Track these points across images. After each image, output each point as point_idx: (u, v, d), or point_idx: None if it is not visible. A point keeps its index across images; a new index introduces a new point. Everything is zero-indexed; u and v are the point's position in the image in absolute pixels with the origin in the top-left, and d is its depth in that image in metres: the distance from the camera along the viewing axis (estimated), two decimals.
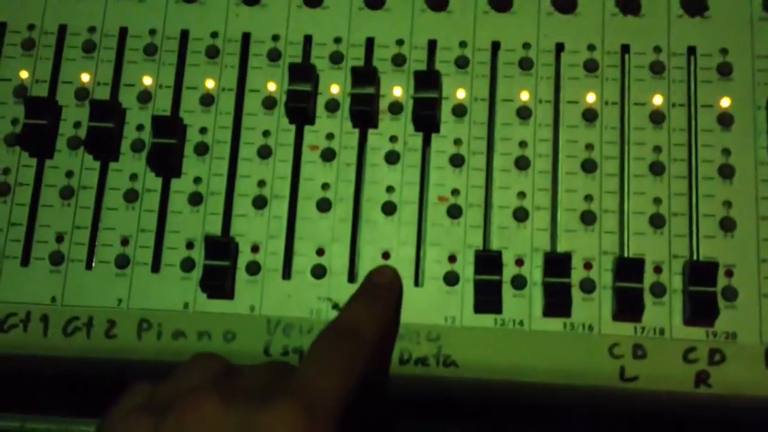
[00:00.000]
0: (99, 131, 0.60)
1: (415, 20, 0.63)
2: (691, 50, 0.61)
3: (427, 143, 0.61)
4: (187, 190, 0.60)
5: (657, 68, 0.60)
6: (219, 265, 0.58)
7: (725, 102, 0.59)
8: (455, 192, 0.59)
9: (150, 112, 0.62)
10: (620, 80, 0.61)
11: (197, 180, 0.61)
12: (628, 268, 0.56)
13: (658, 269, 0.57)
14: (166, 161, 0.60)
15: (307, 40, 0.63)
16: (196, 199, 0.60)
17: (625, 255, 0.58)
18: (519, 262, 0.58)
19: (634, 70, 0.61)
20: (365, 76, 0.60)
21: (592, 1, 0.62)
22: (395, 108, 0.61)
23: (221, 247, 0.58)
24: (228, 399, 0.45)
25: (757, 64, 0.60)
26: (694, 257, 0.57)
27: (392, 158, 0.60)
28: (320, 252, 0.59)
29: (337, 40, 0.62)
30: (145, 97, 0.62)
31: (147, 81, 0.62)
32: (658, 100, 0.60)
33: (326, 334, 0.51)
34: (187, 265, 0.59)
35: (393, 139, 0.61)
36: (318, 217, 0.60)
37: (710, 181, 0.59)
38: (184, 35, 0.63)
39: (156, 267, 0.60)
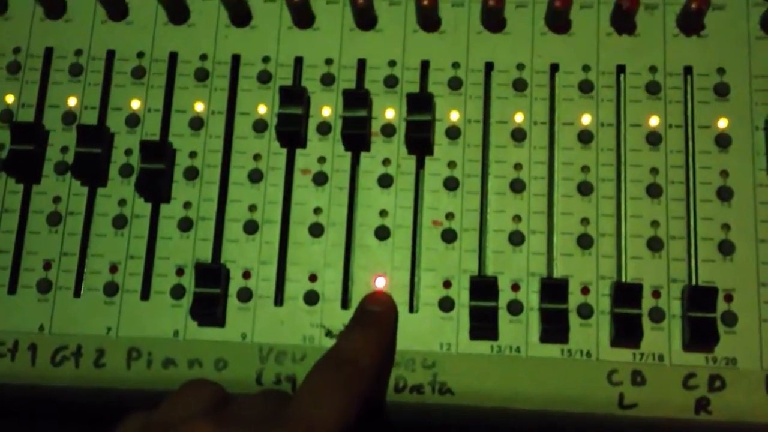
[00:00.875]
0: (86, 157, 0.59)
1: (407, 41, 0.62)
2: (688, 70, 0.60)
3: (420, 166, 0.60)
4: (176, 216, 0.59)
5: (653, 88, 0.60)
6: (209, 293, 0.57)
7: (723, 123, 0.59)
8: (449, 216, 0.59)
9: (138, 136, 0.61)
10: (616, 101, 0.60)
11: (187, 205, 0.60)
12: (625, 294, 0.55)
13: (656, 294, 0.56)
14: (154, 186, 0.59)
15: (298, 61, 0.62)
16: (186, 225, 0.59)
17: (623, 279, 0.57)
18: (515, 287, 0.57)
19: (630, 91, 0.60)
20: (357, 98, 0.59)
21: (586, 20, 0.61)
22: (388, 130, 0.60)
23: (212, 274, 0.57)
24: (224, 429, 0.44)
25: (754, 83, 0.59)
26: (693, 281, 0.57)
27: (385, 182, 0.59)
28: (313, 278, 0.58)
29: (329, 62, 0.61)
30: (133, 121, 0.61)
31: (135, 104, 0.61)
32: (654, 120, 0.59)
33: (323, 362, 0.51)
34: (177, 292, 0.58)
35: (386, 162, 0.60)
36: (310, 242, 0.59)
37: (708, 203, 0.58)
38: (173, 58, 0.62)
39: (145, 294, 0.59)
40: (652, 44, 0.60)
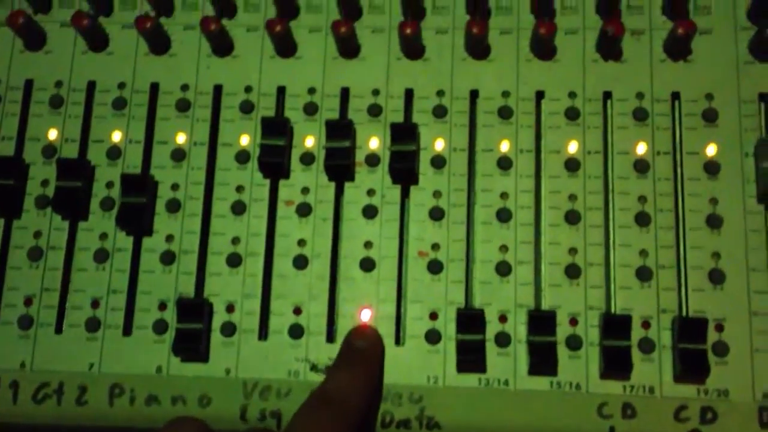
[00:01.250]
0: (67, 191, 0.58)
1: (390, 69, 0.61)
2: (675, 96, 0.59)
3: (405, 196, 0.59)
4: (158, 249, 0.59)
5: (640, 115, 0.59)
6: (192, 328, 0.56)
7: (711, 149, 0.58)
8: (435, 246, 0.58)
9: (120, 168, 0.60)
10: (602, 128, 0.59)
11: (169, 238, 0.59)
12: (614, 326, 0.54)
13: (646, 324, 0.55)
14: (136, 220, 0.58)
15: (281, 91, 0.61)
16: (168, 258, 0.58)
17: (612, 310, 0.56)
18: (503, 319, 0.56)
19: (617, 118, 0.59)
20: (340, 129, 0.58)
21: (571, 47, 0.60)
22: (372, 160, 0.59)
23: (194, 309, 0.56)
24: None
25: (743, 109, 0.58)
26: (683, 311, 0.56)
27: (370, 212, 0.58)
28: (297, 311, 0.57)
29: (311, 91, 0.61)
30: (114, 153, 0.60)
31: (116, 136, 0.61)
32: (642, 148, 0.58)
33: (310, 402, 0.50)
34: (160, 327, 0.57)
35: (370, 192, 0.59)
36: (294, 274, 0.58)
37: (698, 231, 0.57)
38: (154, 88, 0.62)
39: (128, 330, 0.58)
40: (639, 70, 0.60)
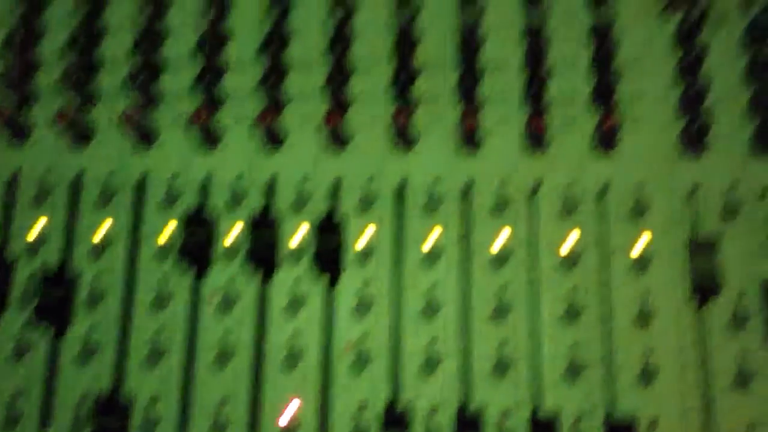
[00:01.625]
0: None
1: (318, 158, 0.60)
2: (605, 187, 0.58)
3: (331, 288, 0.58)
4: (77, 344, 0.57)
5: (569, 206, 0.58)
6: (110, 426, 0.54)
7: (642, 242, 0.56)
8: (361, 339, 0.56)
9: (41, 258, 0.59)
10: (532, 219, 0.58)
11: (88, 332, 0.57)
12: (541, 428, 0.53)
13: (576, 422, 0.54)
14: (53, 315, 0.57)
15: (206, 181, 0.60)
16: (86, 354, 0.57)
17: (542, 406, 0.54)
18: (432, 412, 0.55)
19: (546, 209, 0.58)
20: (263, 224, 0.57)
21: (501, 135, 0.60)
22: (297, 252, 0.58)
23: (112, 406, 0.55)
24: None
25: (675, 201, 0.57)
26: (614, 409, 0.54)
27: (294, 305, 0.57)
28: (220, 407, 0.55)
29: (237, 181, 0.60)
30: (34, 245, 0.59)
31: (37, 228, 0.59)
32: (571, 240, 0.57)
33: None
34: (78, 424, 0.55)
35: (295, 283, 0.57)
36: (217, 369, 0.56)
37: (628, 326, 0.55)
38: (77, 179, 0.61)
39: (45, 427, 0.56)
40: (569, 161, 0.59)
